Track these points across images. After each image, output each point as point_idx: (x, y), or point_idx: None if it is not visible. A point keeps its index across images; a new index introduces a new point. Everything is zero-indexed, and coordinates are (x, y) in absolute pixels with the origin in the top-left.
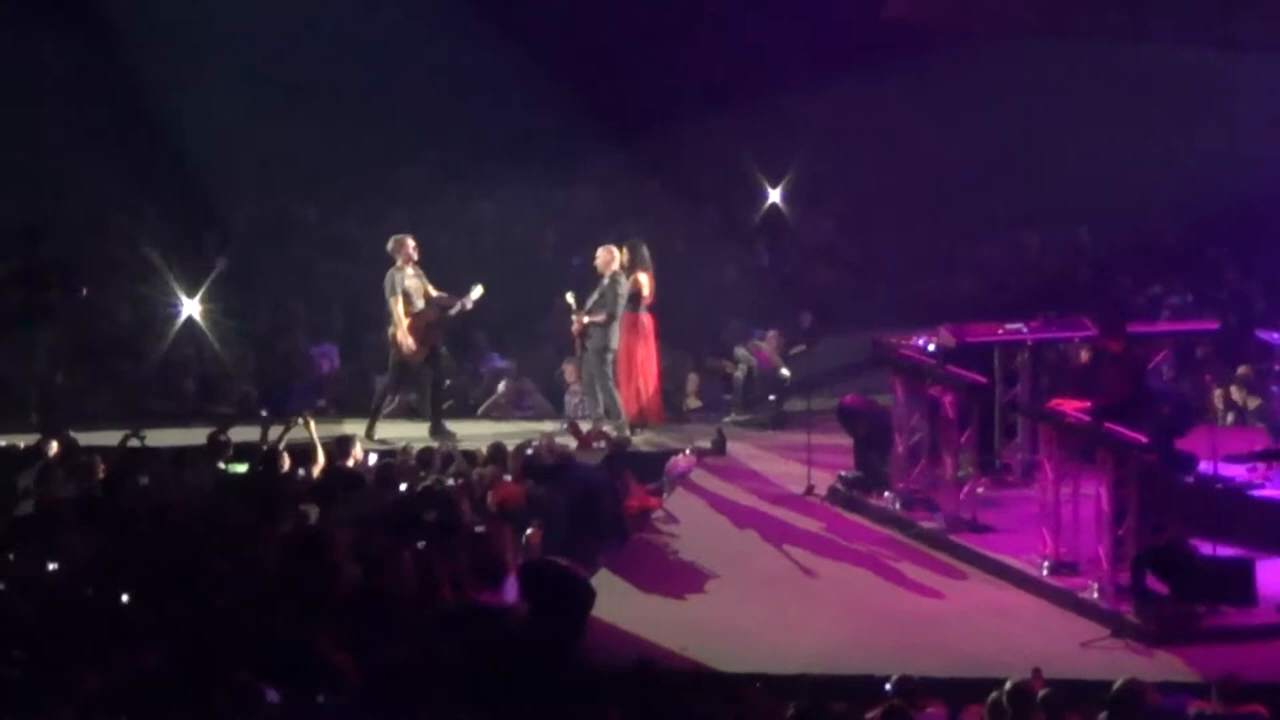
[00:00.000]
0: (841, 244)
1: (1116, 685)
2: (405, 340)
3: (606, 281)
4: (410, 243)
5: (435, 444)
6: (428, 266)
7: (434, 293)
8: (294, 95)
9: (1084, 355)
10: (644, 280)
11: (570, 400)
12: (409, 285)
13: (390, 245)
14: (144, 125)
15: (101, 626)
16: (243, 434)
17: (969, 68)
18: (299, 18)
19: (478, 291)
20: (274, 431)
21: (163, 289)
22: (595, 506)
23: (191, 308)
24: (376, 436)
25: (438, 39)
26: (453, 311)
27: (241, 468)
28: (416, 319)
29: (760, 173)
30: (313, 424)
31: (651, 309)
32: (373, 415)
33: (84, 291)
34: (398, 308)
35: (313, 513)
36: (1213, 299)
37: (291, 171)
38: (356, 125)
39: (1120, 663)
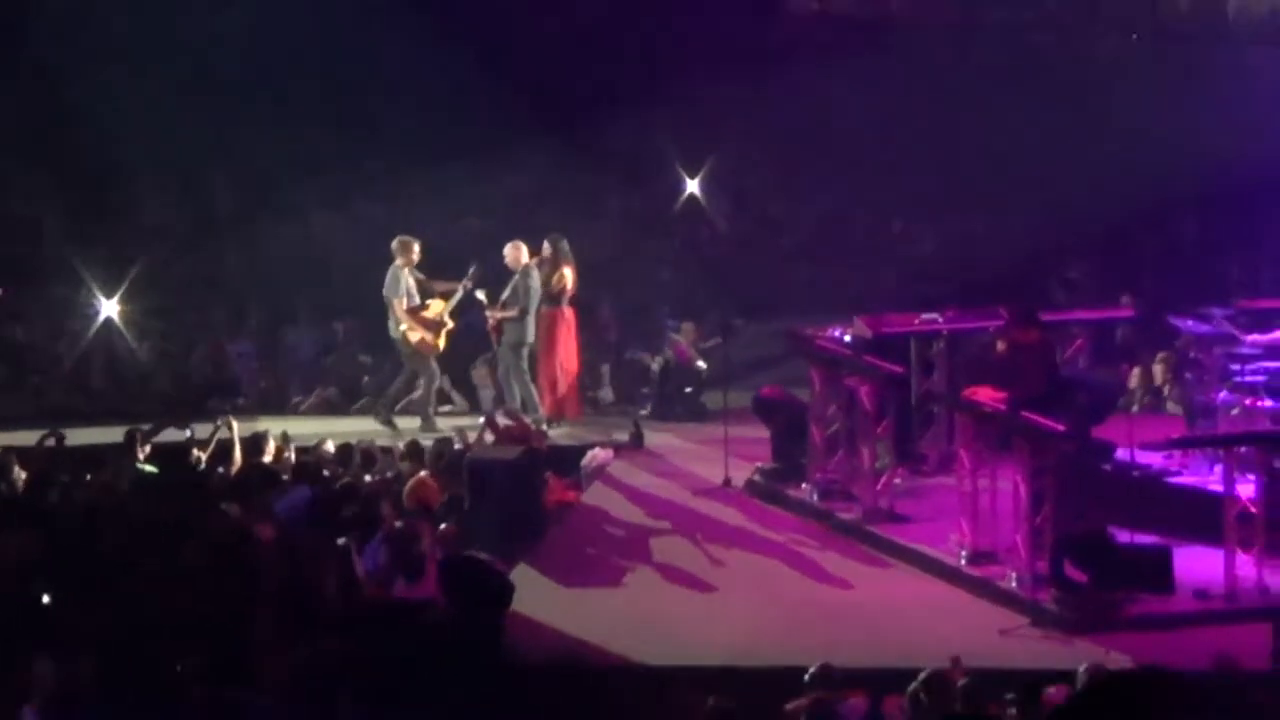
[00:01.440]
0: (760, 235)
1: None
2: (421, 335)
3: (518, 276)
4: (415, 246)
5: (423, 436)
6: (347, 260)
7: (431, 285)
8: (215, 88)
9: (1000, 345)
10: (568, 274)
11: (485, 395)
12: (412, 285)
13: (395, 245)
14: (57, 120)
15: (28, 627)
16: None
17: (893, 55)
18: (217, 8)
19: (473, 270)
20: (197, 431)
21: (81, 289)
22: (512, 501)
23: (110, 308)
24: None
25: (364, 30)
26: (457, 296)
27: (155, 468)
28: (420, 315)
29: (680, 164)
30: (234, 424)
31: (574, 303)
32: (388, 405)
33: (1, 292)
34: (401, 306)
35: (233, 510)
36: (1130, 284)
37: (210, 167)
38: (277, 118)
39: (1039, 651)
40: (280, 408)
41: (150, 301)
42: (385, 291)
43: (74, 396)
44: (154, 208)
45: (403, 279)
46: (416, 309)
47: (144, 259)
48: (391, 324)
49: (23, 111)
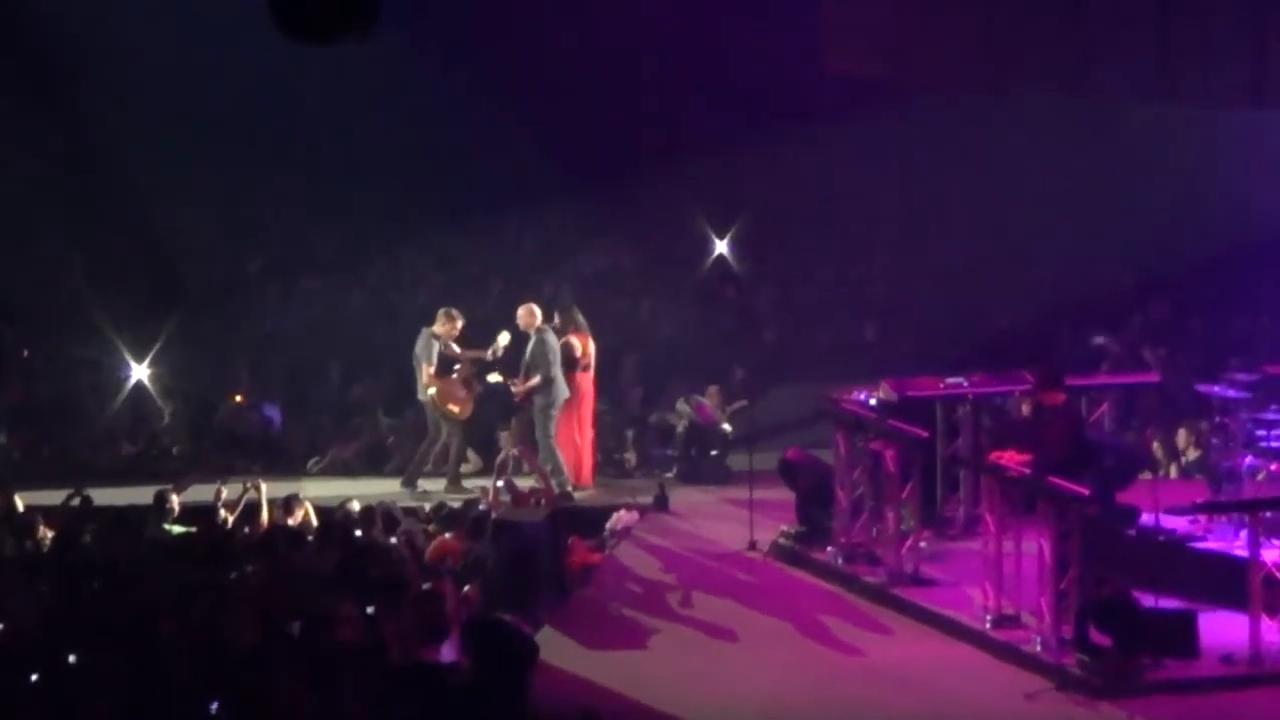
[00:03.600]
0: (781, 298)
1: None
2: (450, 400)
3: (534, 340)
4: (459, 321)
5: (449, 498)
6: (375, 320)
7: (460, 350)
8: (239, 149)
9: (1025, 409)
10: (576, 343)
11: (504, 457)
12: (444, 352)
13: (440, 314)
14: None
15: (52, 684)
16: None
17: (909, 120)
18: (245, 68)
19: (504, 339)
20: (227, 492)
21: (112, 352)
22: (536, 563)
23: (140, 371)
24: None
25: (388, 91)
26: (489, 358)
27: (182, 529)
28: (453, 382)
29: (706, 227)
30: (263, 486)
31: (588, 369)
32: (415, 469)
33: (25, 353)
34: (428, 371)
35: (256, 571)
36: (1156, 352)
37: (239, 226)
38: (304, 176)
39: (1064, 716)
40: (295, 469)
41: (176, 361)
42: (417, 353)
43: (102, 457)
44: (182, 265)
45: (435, 347)
46: (445, 375)
47: (175, 320)
48: (420, 388)
49: (56, 173)
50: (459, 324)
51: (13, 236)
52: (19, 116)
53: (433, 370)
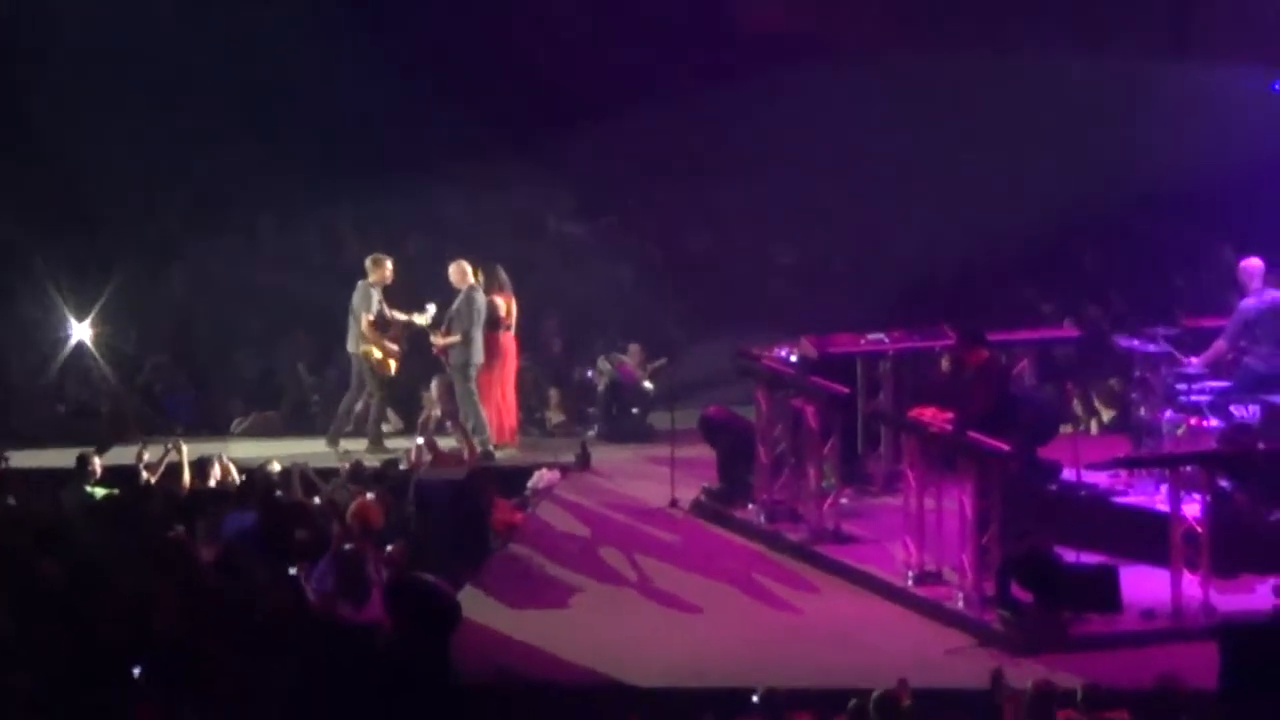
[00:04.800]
0: (709, 256)
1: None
2: (381, 355)
3: (461, 297)
4: (388, 264)
5: (369, 458)
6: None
7: (392, 314)
8: (171, 102)
9: (945, 364)
10: (500, 302)
11: (425, 416)
12: (380, 303)
13: (368, 263)
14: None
15: None
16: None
17: (832, 75)
18: (183, 19)
19: (431, 310)
20: (149, 453)
21: (51, 310)
22: (458, 522)
23: (82, 331)
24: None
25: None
26: (418, 323)
27: (104, 490)
28: (386, 338)
29: (633, 184)
30: (184, 448)
31: (510, 328)
32: (338, 426)
33: None
34: (367, 319)
35: (181, 532)
36: (1077, 305)
37: (160, 182)
38: (234, 133)
39: (985, 672)
40: (219, 429)
41: (108, 321)
42: (354, 306)
43: (26, 419)
44: (112, 224)
45: (373, 296)
46: (381, 327)
47: (115, 280)
48: (351, 340)
49: None
50: (388, 268)
51: None
52: None
53: (371, 319)
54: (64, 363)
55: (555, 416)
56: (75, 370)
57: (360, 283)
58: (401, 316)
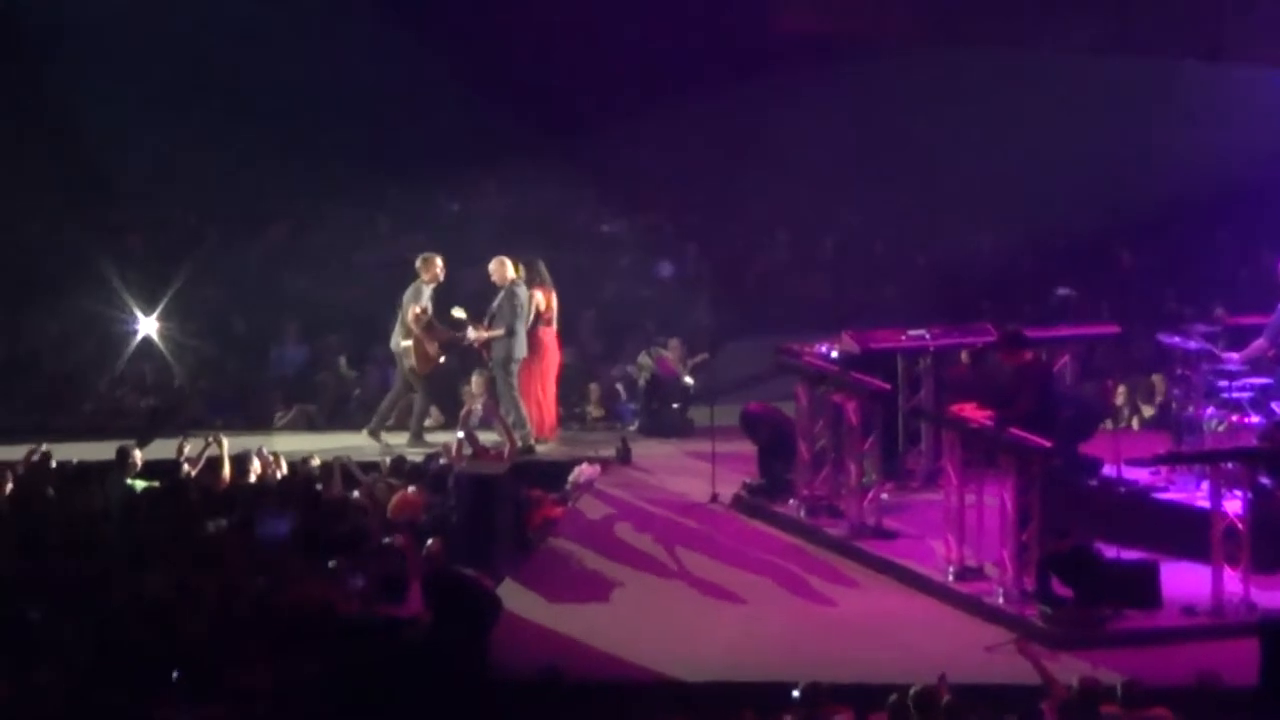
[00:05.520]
0: (746, 252)
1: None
2: (426, 350)
3: (504, 293)
4: (439, 264)
5: (410, 452)
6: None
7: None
8: (195, 103)
9: (964, 357)
10: (540, 297)
11: (466, 411)
12: (429, 300)
13: (419, 263)
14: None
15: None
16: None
17: (867, 71)
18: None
19: (459, 314)
20: (190, 446)
21: (112, 305)
22: (498, 516)
23: (149, 325)
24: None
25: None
26: (464, 340)
27: (145, 484)
28: (435, 335)
29: (670, 181)
30: (225, 441)
31: (551, 323)
32: (380, 421)
33: None
34: (414, 311)
35: (219, 527)
36: (1116, 301)
37: (186, 184)
38: (257, 130)
39: (1025, 668)
40: (262, 424)
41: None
42: (405, 302)
43: (62, 412)
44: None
45: (425, 292)
46: (438, 330)
47: (182, 276)
48: (396, 337)
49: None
50: (439, 265)
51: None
52: None
53: (419, 310)
54: (127, 357)
55: (595, 411)
56: (134, 364)
57: (414, 283)
58: (444, 334)
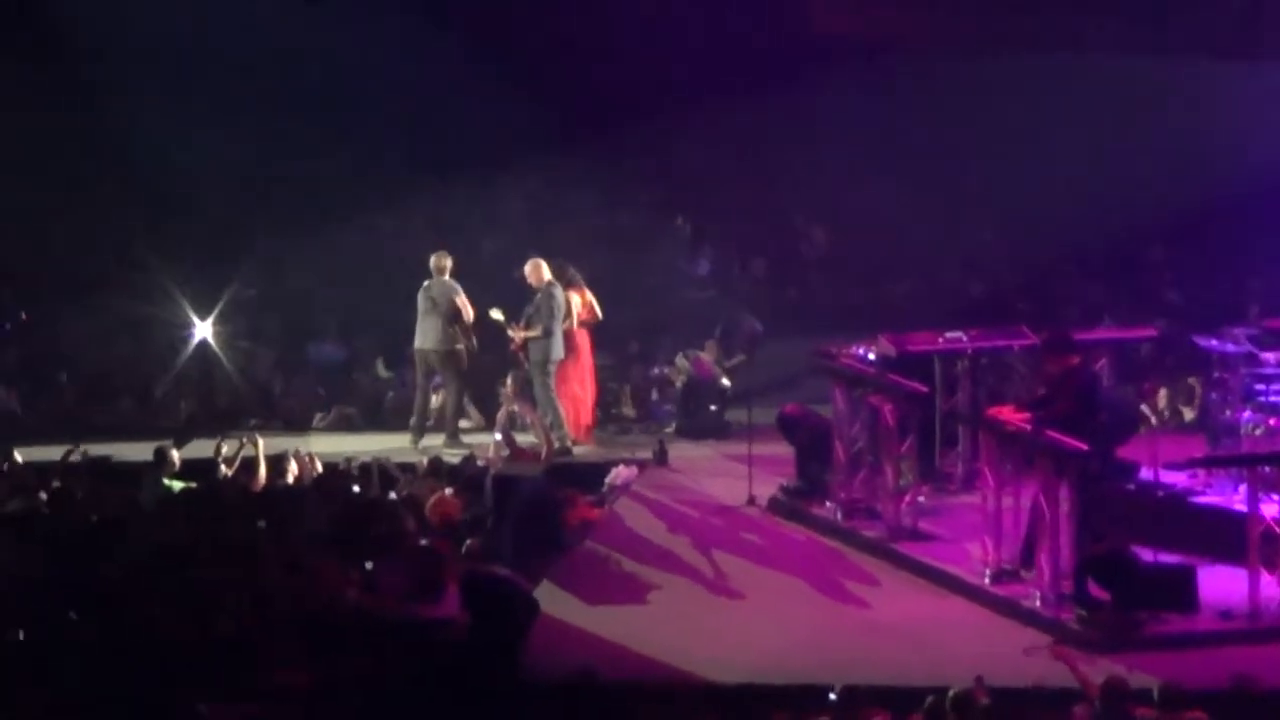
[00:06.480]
0: (784, 254)
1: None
2: (465, 344)
3: (539, 294)
4: (448, 259)
5: (446, 453)
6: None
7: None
8: (227, 103)
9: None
10: (575, 299)
11: (503, 413)
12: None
13: (442, 261)
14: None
15: (43, 643)
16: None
17: (899, 74)
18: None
19: (497, 314)
20: (226, 447)
21: (174, 311)
22: (535, 518)
23: (204, 329)
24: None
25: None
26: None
27: (182, 484)
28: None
29: (707, 183)
30: (260, 441)
31: (585, 324)
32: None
33: (23, 315)
34: (471, 314)
35: (256, 528)
36: (1152, 305)
37: (230, 184)
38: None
39: (1062, 671)
40: (301, 425)
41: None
42: (438, 302)
43: (99, 411)
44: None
45: (459, 288)
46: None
47: (238, 281)
48: (432, 335)
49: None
50: (448, 261)
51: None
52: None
53: (462, 307)
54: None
55: (628, 411)
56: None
57: (438, 280)
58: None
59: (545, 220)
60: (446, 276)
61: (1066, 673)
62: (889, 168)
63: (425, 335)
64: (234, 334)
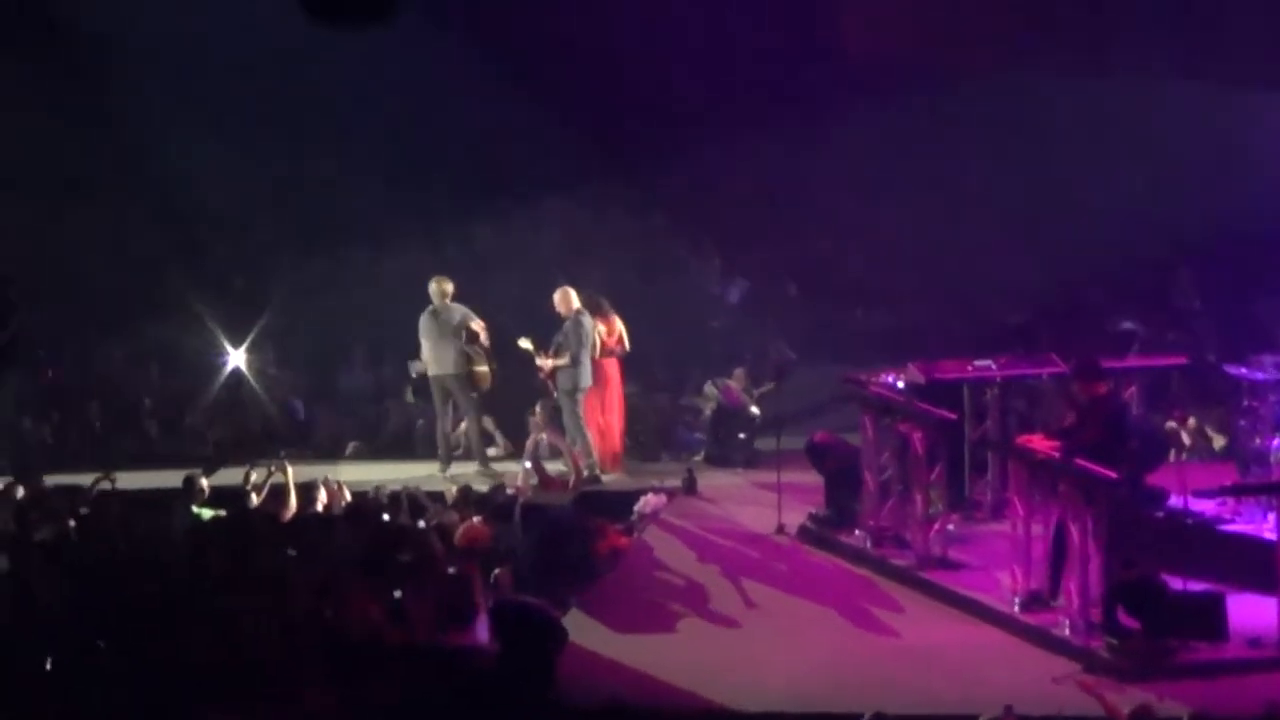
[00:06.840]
0: (812, 281)
1: None
2: (485, 367)
3: (570, 322)
4: (448, 283)
5: (477, 481)
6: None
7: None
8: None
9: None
10: (602, 327)
11: (532, 441)
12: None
13: (446, 285)
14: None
15: (71, 671)
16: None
17: (928, 102)
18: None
19: (525, 344)
20: (256, 475)
21: (202, 336)
22: (564, 546)
23: (238, 357)
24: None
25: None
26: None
27: (211, 512)
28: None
29: (737, 212)
30: (289, 469)
31: (613, 353)
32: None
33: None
34: (480, 326)
35: (285, 555)
36: (1181, 333)
37: (258, 209)
38: (315, 160)
39: (1092, 699)
40: (331, 453)
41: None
42: (456, 328)
43: (128, 439)
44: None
45: (469, 310)
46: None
47: (270, 309)
48: (448, 359)
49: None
50: (449, 285)
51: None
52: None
53: (482, 329)
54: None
55: (650, 439)
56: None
57: (444, 305)
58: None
59: (577, 250)
60: (445, 300)
61: (1095, 703)
62: (926, 196)
63: (441, 361)
64: (265, 361)
